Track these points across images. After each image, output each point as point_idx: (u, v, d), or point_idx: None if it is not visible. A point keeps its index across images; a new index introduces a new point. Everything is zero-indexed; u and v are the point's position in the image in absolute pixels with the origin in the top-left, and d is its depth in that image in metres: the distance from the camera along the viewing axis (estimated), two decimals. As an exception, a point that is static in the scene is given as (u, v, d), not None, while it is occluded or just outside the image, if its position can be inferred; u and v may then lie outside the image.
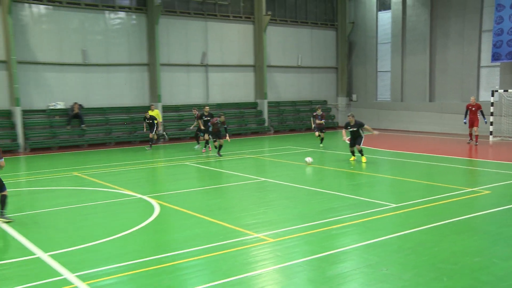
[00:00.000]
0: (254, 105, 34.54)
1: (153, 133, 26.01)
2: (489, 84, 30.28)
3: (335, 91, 38.73)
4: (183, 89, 31.87)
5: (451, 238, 9.85)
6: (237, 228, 10.66)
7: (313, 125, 25.85)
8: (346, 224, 10.88)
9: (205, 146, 24.18)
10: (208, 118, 24.03)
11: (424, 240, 9.68)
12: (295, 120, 35.26)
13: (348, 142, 19.96)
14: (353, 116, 19.57)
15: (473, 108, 24.41)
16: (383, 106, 36.21)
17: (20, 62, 26.24)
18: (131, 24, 29.81)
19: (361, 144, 19.23)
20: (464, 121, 24.92)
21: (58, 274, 8.24)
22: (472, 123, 24.51)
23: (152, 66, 30.14)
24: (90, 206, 13.46)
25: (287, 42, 36.01)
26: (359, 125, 19.30)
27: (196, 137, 25.96)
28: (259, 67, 34.19)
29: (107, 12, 29.04)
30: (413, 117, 33.83)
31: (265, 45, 33.85)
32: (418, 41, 33.65)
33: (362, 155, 19.27)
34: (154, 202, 13.39)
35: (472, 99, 24.75)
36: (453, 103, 31.64)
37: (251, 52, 34.26)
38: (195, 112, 25.80)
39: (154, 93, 30.14)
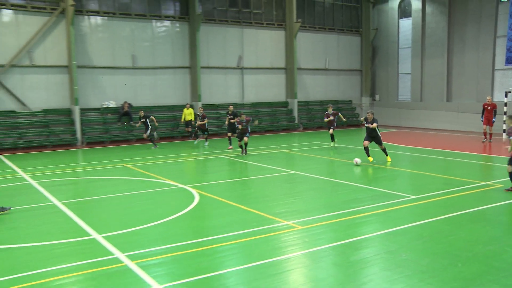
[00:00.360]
0: (285, 104, 34.44)
1: (147, 133, 24.37)
2: (503, 86, 29.55)
3: (359, 91, 38.33)
4: (221, 89, 31.97)
5: (466, 227, 9.70)
6: (269, 216, 10.68)
7: (326, 119, 23.48)
8: (369, 213, 10.80)
9: (230, 143, 23.32)
10: (232, 117, 23.41)
11: (440, 229, 9.56)
12: (323, 118, 34.84)
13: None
14: (372, 114, 17.82)
15: (489, 107, 23.85)
16: (403, 106, 35.70)
17: (79, 67, 26.75)
18: (175, 31, 30.02)
19: (382, 142, 17.97)
20: (481, 119, 24.29)
21: (110, 253, 8.41)
22: (488, 121, 23.93)
23: (193, 68, 30.29)
24: (137, 194, 13.65)
25: (315, 47, 35.77)
26: (375, 122, 17.60)
27: (196, 134, 25.90)
28: (290, 70, 34.06)
29: (154, 21, 29.31)
30: (431, 116, 33.28)
31: (295, 50, 33.69)
32: (436, 46, 33.08)
33: (387, 154, 18.16)
34: (194, 191, 13.49)
35: (489, 98, 24.16)
36: (469, 103, 31.02)
37: (282, 56, 34.14)
38: (201, 111, 24.94)
39: (195, 93, 30.31)
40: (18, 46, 25.54)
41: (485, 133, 24.25)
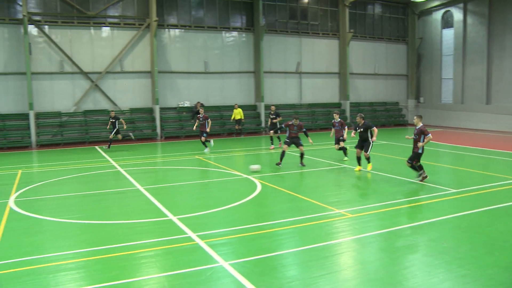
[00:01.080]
0: (338, 105, 33.92)
1: (113, 133, 21.92)
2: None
3: (406, 94, 37.19)
4: (281, 91, 31.87)
5: (503, 219, 9.25)
6: (322, 205, 10.57)
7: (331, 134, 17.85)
8: (413, 204, 10.51)
9: (272, 143, 21.54)
10: (274, 116, 21.55)
11: (478, 221, 9.16)
12: (372, 118, 34.16)
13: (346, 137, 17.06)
14: (362, 118, 14.69)
15: None
16: (446, 107, 34.38)
17: (160, 72, 27.49)
18: (241, 41, 30.20)
19: (369, 151, 14.69)
20: None
21: (184, 232, 8.57)
22: None
23: (257, 73, 30.40)
24: (207, 182, 13.86)
25: (366, 54, 34.99)
26: (367, 126, 14.52)
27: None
28: (343, 74, 33.53)
29: (223, 32, 29.62)
30: (471, 117, 31.88)
31: (348, 56, 33.10)
32: (477, 53, 31.59)
33: (369, 162, 14.95)
34: (256, 181, 13.52)
35: None
36: (507, 105, 29.50)
37: (336, 62, 33.64)
38: (202, 112, 20.47)
39: (258, 95, 30.41)
40: (112, 56, 26.61)
41: None
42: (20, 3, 24.24)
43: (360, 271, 6.84)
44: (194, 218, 9.66)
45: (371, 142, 14.62)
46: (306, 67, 32.52)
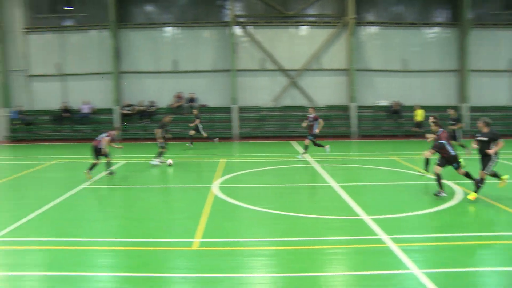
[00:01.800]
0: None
1: (201, 132, 21.81)
2: None
3: None
4: (490, 91, 28.42)
5: None
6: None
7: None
8: None
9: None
10: (453, 122, 17.62)
11: None
12: None
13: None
14: (486, 124, 10.66)
15: None
16: None
17: (357, 70, 27.54)
18: (443, 37, 28.23)
19: (489, 169, 10.64)
20: None
21: (374, 233, 8.39)
22: None
23: (461, 72, 28.04)
24: (401, 184, 13.26)
25: None
26: (493, 136, 10.54)
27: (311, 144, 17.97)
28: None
29: (423, 28, 28.19)
30: None
31: None
32: None
33: (478, 187, 10.79)
34: (457, 187, 12.37)
35: None
36: None
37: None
38: (312, 112, 18.08)
39: (462, 95, 28.08)
40: (309, 54, 27.65)
41: None
42: (228, 7, 26.98)
43: None
44: (387, 220, 9.37)
45: (493, 159, 10.62)
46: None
